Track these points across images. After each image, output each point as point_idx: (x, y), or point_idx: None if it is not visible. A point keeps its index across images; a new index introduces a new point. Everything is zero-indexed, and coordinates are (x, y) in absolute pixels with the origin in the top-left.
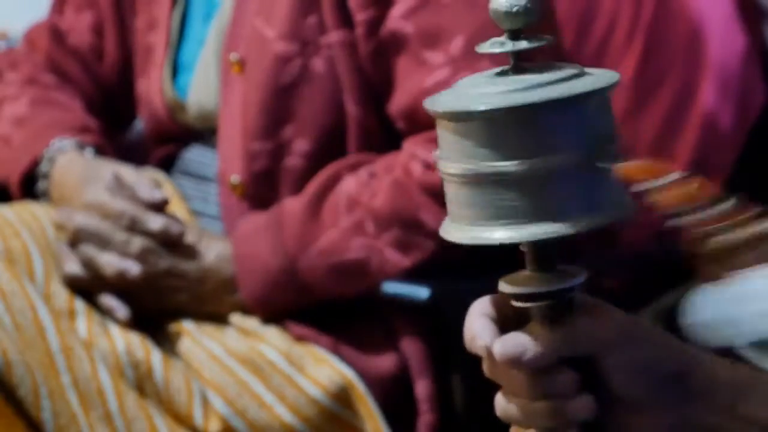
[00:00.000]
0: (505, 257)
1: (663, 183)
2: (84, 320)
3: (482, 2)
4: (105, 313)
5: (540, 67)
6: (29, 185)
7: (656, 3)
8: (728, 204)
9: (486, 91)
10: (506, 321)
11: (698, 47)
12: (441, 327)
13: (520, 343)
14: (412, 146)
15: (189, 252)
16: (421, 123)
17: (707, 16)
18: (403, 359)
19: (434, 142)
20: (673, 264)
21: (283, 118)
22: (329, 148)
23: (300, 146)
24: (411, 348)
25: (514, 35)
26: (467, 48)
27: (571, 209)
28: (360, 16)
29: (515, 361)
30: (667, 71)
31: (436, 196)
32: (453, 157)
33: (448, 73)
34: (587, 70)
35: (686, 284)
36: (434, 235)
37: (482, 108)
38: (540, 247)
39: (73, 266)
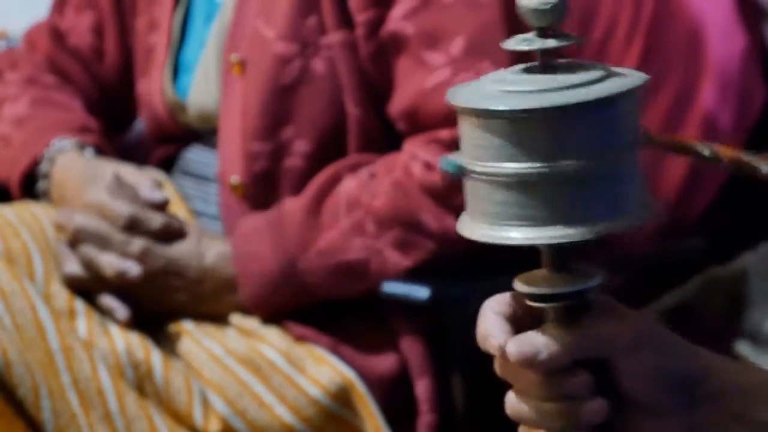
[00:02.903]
0: (509, 257)
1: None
2: (84, 320)
3: (483, 3)
4: (105, 313)
5: (567, 66)
6: (29, 185)
7: (656, 3)
8: None
9: (511, 89)
10: (521, 319)
11: (698, 47)
12: (441, 327)
13: (534, 343)
14: (412, 147)
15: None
16: (422, 124)
17: (707, 16)
18: (403, 359)
19: (435, 142)
20: (673, 264)
21: (283, 118)
22: (329, 148)
23: (300, 147)
24: (411, 348)
25: (543, 33)
26: (468, 49)
27: (592, 213)
28: (360, 17)
29: (529, 362)
30: (667, 71)
31: (437, 196)
32: (472, 154)
33: (449, 74)
34: (615, 69)
35: (686, 284)
36: (434, 235)
37: (505, 108)
38: (557, 248)
39: (73, 266)
